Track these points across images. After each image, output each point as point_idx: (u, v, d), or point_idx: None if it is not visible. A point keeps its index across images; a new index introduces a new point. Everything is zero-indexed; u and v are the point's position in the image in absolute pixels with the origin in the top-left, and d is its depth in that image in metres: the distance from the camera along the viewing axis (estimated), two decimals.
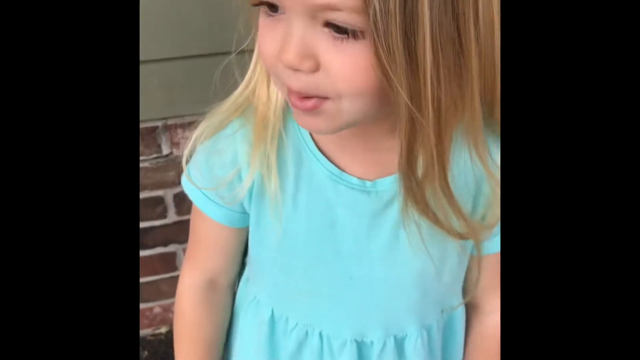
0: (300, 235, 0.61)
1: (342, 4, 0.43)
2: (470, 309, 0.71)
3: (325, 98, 0.49)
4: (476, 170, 0.56)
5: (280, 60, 0.47)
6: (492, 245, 0.62)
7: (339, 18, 0.44)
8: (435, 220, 0.54)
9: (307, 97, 0.49)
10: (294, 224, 0.61)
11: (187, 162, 0.64)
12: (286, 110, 0.59)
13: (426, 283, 0.63)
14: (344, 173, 0.59)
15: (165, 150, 1.30)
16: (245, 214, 0.64)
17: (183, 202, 1.36)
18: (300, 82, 0.48)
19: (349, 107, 0.49)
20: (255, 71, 0.59)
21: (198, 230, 0.69)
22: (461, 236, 0.57)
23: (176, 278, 1.35)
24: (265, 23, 0.49)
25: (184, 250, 0.76)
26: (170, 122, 1.28)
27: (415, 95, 0.45)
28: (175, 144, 1.31)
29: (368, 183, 0.59)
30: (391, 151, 0.56)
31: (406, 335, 0.65)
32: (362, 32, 0.44)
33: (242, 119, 0.60)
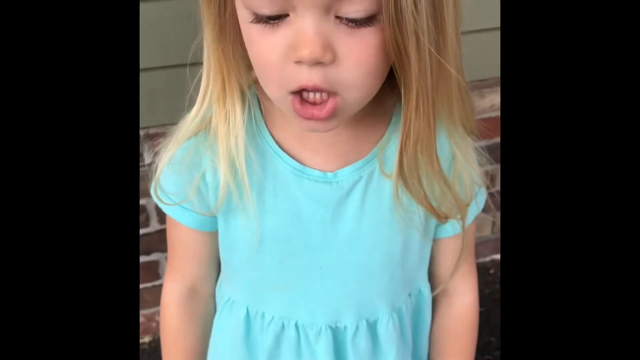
0: (269, 231, 0.63)
1: None
2: (438, 294, 0.74)
3: (334, 95, 0.51)
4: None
5: (300, 57, 0.48)
6: (453, 227, 0.67)
7: (354, 6, 0.46)
8: (425, 200, 0.58)
9: (318, 104, 0.51)
10: (263, 221, 0.63)
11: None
12: (251, 115, 0.61)
13: (392, 266, 0.66)
14: (306, 167, 0.62)
15: (148, 159, 1.30)
16: (213, 218, 0.66)
17: None
18: (317, 77, 0.49)
19: (356, 97, 0.52)
20: (207, 89, 0.60)
21: (172, 239, 0.71)
22: (445, 217, 0.61)
23: (159, 287, 1.34)
24: (262, 31, 0.50)
25: (167, 259, 0.77)
26: (152, 131, 1.28)
27: (422, 70, 0.49)
28: (157, 153, 1.31)
29: (329, 174, 0.62)
30: (348, 143, 0.61)
31: (378, 318, 0.68)
32: (374, 16, 0.47)
33: (203, 132, 0.62)
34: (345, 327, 0.67)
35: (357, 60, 0.49)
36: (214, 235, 0.68)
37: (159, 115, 1.23)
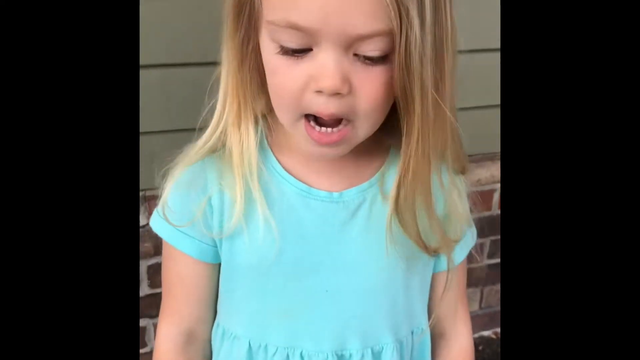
0: (273, 254, 0.64)
1: (376, 32, 0.51)
2: (435, 336, 0.75)
3: (347, 121, 0.56)
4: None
5: (321, 87, 0.53)
6: (445, 261, 0.68)
7: (371, 46, 0.52)
8: (416, 235, 0.61)
9: (329, 133, 0.56)
10: (267, 243, 0.64)
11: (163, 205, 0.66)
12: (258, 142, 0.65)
13: (395, 291, 0.68)
14: (312, 188, 0.65)
15: (143, 221, 1.31)
16: (215, 248, 0.67)
17: (157, 275, 1.35)
18: (333, 106, 0.54)
19: (365, 126, 0.57)
20: (222, 116, 0.64)
21: (171, 275, 0.70)
22: (434, 251, 0.63)
23: (146, 355, 1.31)
24: (287, 62, 0.55)
25: (155, 326, 0.74)
26: (148, 193, 1.30)
27: (424, 109, 0.54)
28: (164, 176, 1.34)
29: (335, 194, 0.65)
30: (351, 168, 0.65)
31: (382, 348, 0.68)
32: (387, 55, 0.53)
33: (210, 156, 0.65)
34: (350, 354, 0.67)
35: (369, 93, 0.54)
36: (214, 269, 0.69)
37: (157, 178, 1.25)
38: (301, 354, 0.67)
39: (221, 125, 0.64)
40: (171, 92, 1.21)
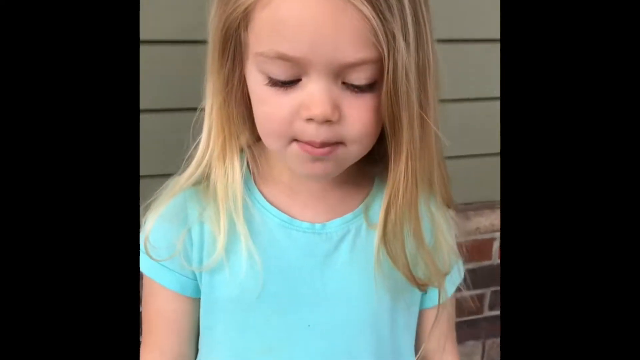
0: (256, 288, 0.63)
1: (365, 60, 0.52)
2: None
3: (339, 144, 0.56)
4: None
5: (312, 116, 0.53)
6: (436, 297, 0.67)
7: (359, 74, 0.53)
8: (404, 265, 0.60)
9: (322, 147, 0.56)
10: (249, 277, 0.62)
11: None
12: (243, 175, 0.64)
13: (381, 328, 0.65)
14: (295, 219, 0.64)
15: None
16: (195, 282, 0.66)
17: None
18: (324, 133, 0.54)
19: (356, 150, 0.57)
20: (207, 150, 0.64)
21: (151, 311, 0.68)
22: (424, 284, 0.62)
23: None
24: (275, 93, 0.55)
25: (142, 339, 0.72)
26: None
27: (411, 134, 0.55)
28: (147, 208, 1.32)
29: (318, 225, 0.64)
30: (336, 198, 0.64)
31: None
32: (375, 83, 0.54)
33: (192, 188, 0.65)
34: None
35: (359, 119, 0.55)
36: (195, 304, 0.67)
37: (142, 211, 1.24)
38: None
39: (206, 159, 0.64)
40: (167, 135, 1.21)
